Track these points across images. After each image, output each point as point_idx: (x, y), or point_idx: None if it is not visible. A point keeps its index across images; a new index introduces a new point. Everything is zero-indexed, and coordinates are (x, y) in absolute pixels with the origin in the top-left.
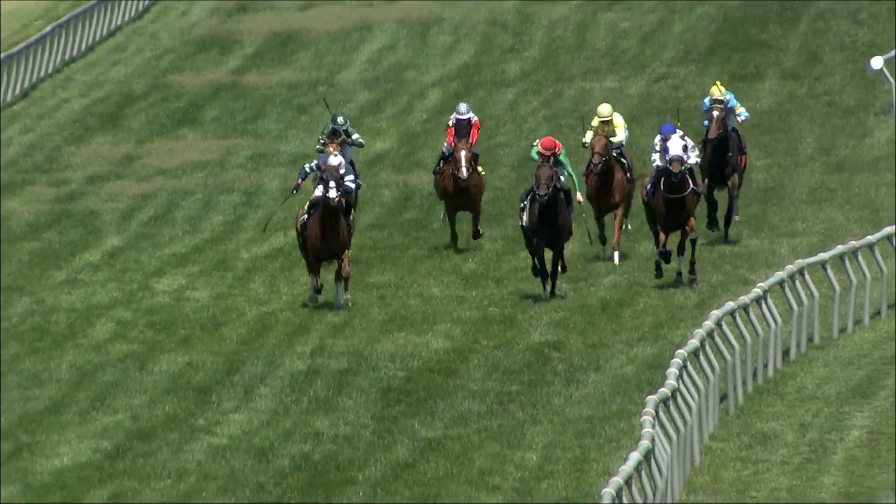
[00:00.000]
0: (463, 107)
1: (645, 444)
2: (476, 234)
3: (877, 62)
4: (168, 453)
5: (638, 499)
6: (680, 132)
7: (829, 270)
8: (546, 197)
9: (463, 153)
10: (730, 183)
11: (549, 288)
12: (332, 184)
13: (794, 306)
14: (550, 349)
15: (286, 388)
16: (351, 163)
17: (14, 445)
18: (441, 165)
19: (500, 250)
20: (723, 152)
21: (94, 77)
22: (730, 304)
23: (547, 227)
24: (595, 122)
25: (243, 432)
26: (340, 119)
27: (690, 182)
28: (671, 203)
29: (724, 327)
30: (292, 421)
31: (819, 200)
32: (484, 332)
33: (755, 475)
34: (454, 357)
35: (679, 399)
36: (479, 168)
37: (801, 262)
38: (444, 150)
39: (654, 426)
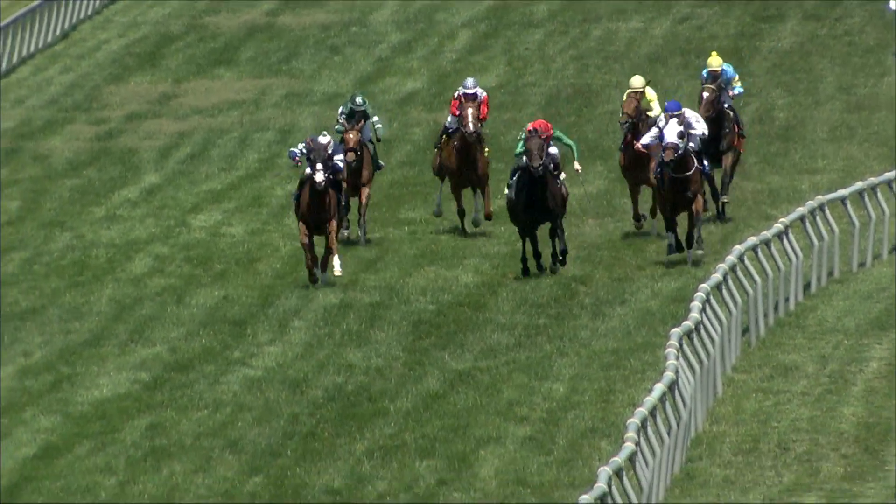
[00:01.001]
0: (470, 81)
1: (669, 375)
2: (488, 216)
3: (894, 3)
4: (204, 385)
5: (662, 429)
6: (685, 110)
7: (849, 206)
8: (541, 168)
9: (470, 110)
10: (724, 161)
11: (541, 265)
12: (318, 165)
13: (815, 241)
14: (577, 283)
15: (319, 321)
16: (370, 141)
17: (55, 377)
18: (443, 139)
19: None
20: (717, 130)
21: (132, 18)
22: (752, 240)
23: (538, 202)
24: (626, 96)
25: (278, 364)
26: (359, 99)
27: (696, 161)
28: (675, 182)
29: (747, 262)
30: (325, 353)
31: (839, 138)
32: (512, 267)
33: (776, 406)
34: (483, 291)
35: (702, 332)
36: (486, 149)
37: (821, 198)
38: (447, 123)
39: (677, 358)
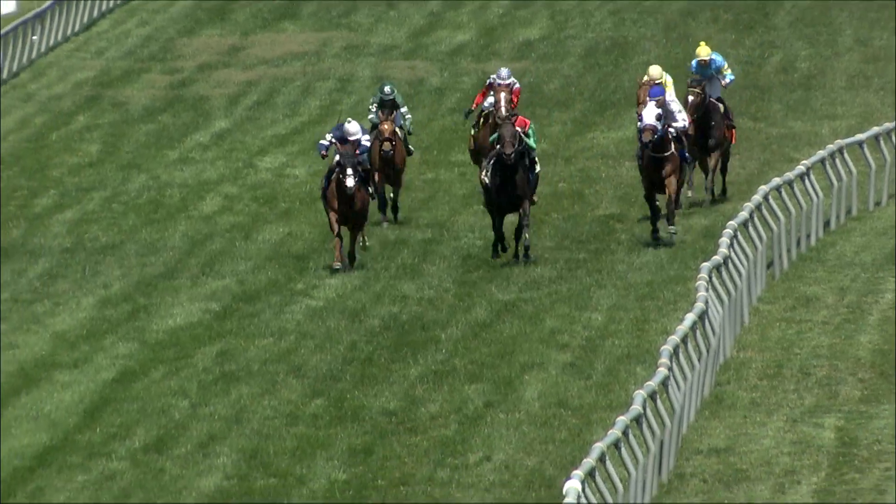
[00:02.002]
0: (504, 72)
1: (699, 306)
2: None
3: None
4: (270, 314)
5: (693, 355)
6: (670, 100)
7: (866, 149)
8: (513, 155)
9: (503, 94)
10: (712, 156)
11: (504, 249)
12: (349, 171)
13: (834, 182)
14: (614, 221)
15: (376, 255)
16: (401, 127)
17: (132, 307)
18: (480, 123)
19: (569, 132)
20: (705, 125)
21: None
22: (776, 180)
23: (509, 187)
24: (644, 80)
25: (338, 295)
26: (388, 88)
27: (673, 146)
28: (652, 161)
29: (771, 201)
30: (382, 285)
31: (857, 87)
32: (554, 206)
33: (798, 334)
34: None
35: (730, 266)
36: None
37: (840, 142)
38: (486, 105)
39: (707, 290)
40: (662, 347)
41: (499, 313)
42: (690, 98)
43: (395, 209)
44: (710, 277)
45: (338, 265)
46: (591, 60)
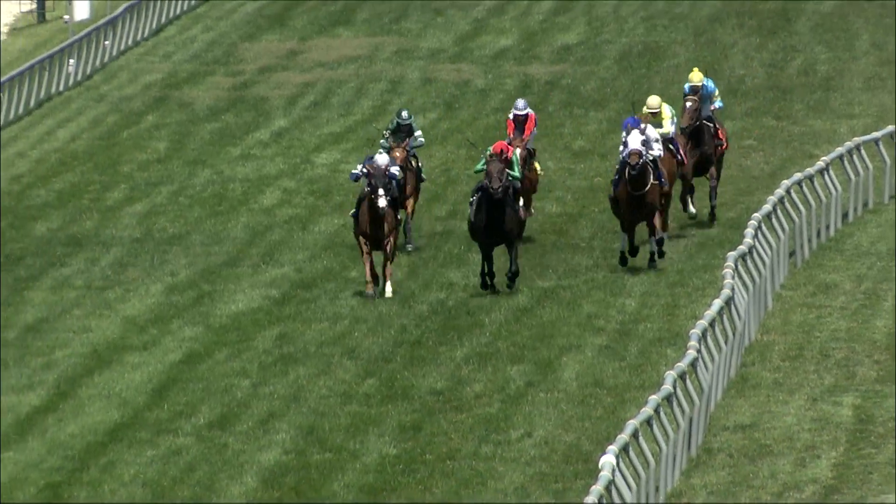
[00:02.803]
0: (521, 102)
1: (726, 292)
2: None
3: None
4: (326, 300)
5: (720, 338)
6: (644, 125)
7: (882, 147)
8: (500, 190)
9: (518, 151)
10: (708, 175)
11: (493, 277)
12: (380, 191)
13: (852, 176)
14: None
15: (425, 245)
16: (414, 156)
17: (197, 293)
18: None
19: (604, 130)
20: (697, 142)
21: None
22: (797, 175)
23: (496, 223)
24: (644, 111)
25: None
26: (405, 114)
27: (652, 175)
28: (633, 199)
29: (793, 194)
30: (430, 273)
31: (873, 88)
32: (591, 199)
33: (818, 318)
34: (566, 219)
35: (755, 255)
36: (537, 165)
37: (857, 139)
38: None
39: (734, 277)
40: (691, 331)
41: (539, 299)
42: (688, 104)
43: (408, 231)
44: (737, 266)
45: (370, 292)
46: (624, 63)
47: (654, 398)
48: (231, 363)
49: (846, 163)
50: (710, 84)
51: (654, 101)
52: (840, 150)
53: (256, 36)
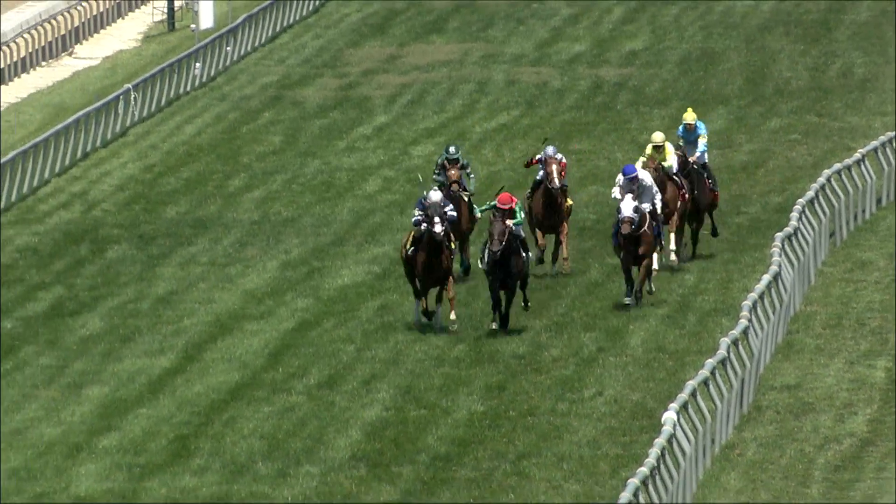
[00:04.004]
0: (550, 149)
1: (774, 268)
2: (555, 257)
3: None
4: None
5: (769, 309)
6: (640, 172)
7: None
8: (499, 253)
9: (554, 166)
10: (693, 224)
11: (500, 323)
12: (437, 219)
13: (885, 166)
14: None
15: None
16: (465, 189)
17: (308, 269)
18: (530, 195)
19: (667, 126)
20: (690, 189)
21: None
22: (837, 165)
23: (502, 273)
24: (649, 148)
25: (477, 260)
26: (452, 149)
27: (646, 225)
28: (629, 239)
29: (833, 182)
30: None
31: None
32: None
33: (855, 291)
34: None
35: (799, 235)
36: (569, 200)
37: (890, 134)
38: (539, 177)
39: (780, 255)
40: (743, 303)
41: (609, 274)
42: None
43: (463, 260)
44: (783, 245)
45: (419, 326)
46: (684, 67)
47: (710, 362)
48: (338, 330)
49: (880, 154)
50: (702, 127)
51: (658, 136)
52: (874, 143)
53: (360, 42)
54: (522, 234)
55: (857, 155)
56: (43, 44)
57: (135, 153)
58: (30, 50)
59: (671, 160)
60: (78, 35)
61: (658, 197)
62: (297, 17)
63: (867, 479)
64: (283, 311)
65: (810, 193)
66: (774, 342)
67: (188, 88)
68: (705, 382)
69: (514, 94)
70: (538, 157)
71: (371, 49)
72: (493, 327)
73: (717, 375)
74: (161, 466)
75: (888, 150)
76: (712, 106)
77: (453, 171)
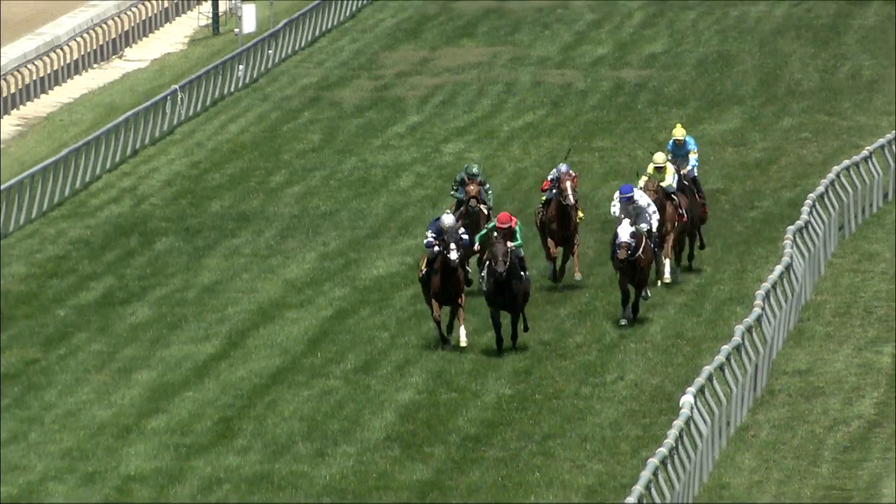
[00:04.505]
0: (563, 166)
1: (786, 259)
2: (561, 274)
3: None
4: None
5: (781, 298)
6: (636, 193)
7: None
8: (504, 274)
9: (569, 183)
10: (687, 238)
11: (501, 345)
12: (452, 245)
13: (891, 163)
14: (719, 194)
15: (530, 222)
16: (485, 202)
17: (345, 260)
18: (543, 211)
19: (684, 125)
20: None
21: (400, 4)
22: (846, 162)
23: (503, 295)
24: (650, 168)
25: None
26: (475, 169)
27: (643, 243)
28: (629, 263)
29: (842, 178)
30: (538, 244)
31: None
32: None
33: (863, 281)
34: None
35: (810, 228)
36: (581, 213)
37: None
38: (547, 195)
39: (792, 247)
40: (757, 292)
41: None
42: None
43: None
44: (794, 238)
45: (447, 347)
46: (701, 69)
47: (725, 348)
48: (373, 318)
49: (886, 152)
50: (691, 142)
51: (659, 157)
52: (881, 141)
53: (395, 46)
54: (522, 253)
55: (865, 152)
56: (95, 47)
57: (181, 150)
58: (82, 52)
59: (670, 180)
60: (128, 38)
61: (655, 217)
62: (335, 22)
63: (874, 459)
64: (322, 300)
65: (820, 189)
66: (786, 329)
67: (232, 89)
68: (721, 367)
69: (540, 94)
70: (551, 177)
71: (405, 52)
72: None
73: (732, 361)
74: (206, 447)
75: (894, 147)
76: (727, 106)
77: (472, 187)
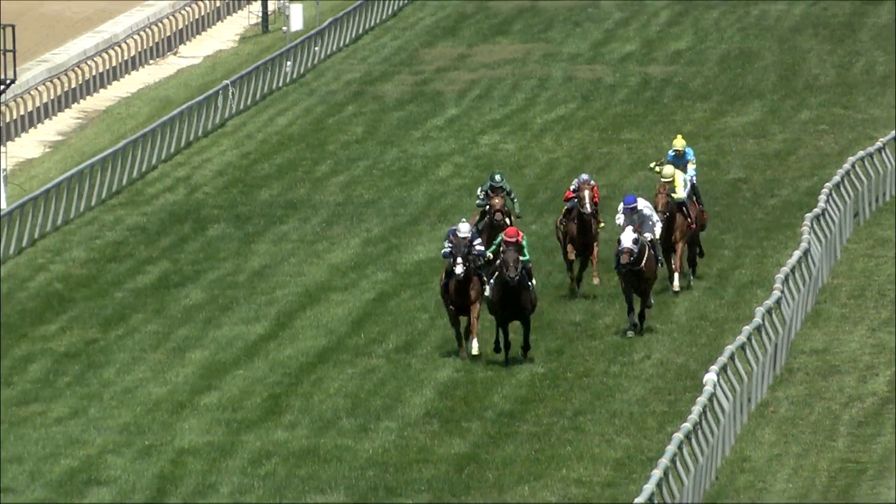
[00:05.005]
0: (584, 176)
1: (804, 245)
2: (579, 282)
3: None
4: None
5: (799, 281)
6: (640, 203)
7: None
8: (515, 279)
9: (587, 192)
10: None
11: (508, 347)
12: (458, 259)
13: None
14: (741, 182)
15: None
16: (509, 213)
17: (387, 246)
18: (565, 221)
19: (708, 117)
20: (669, 226)
21: (440, 3)
22: (861, 152)
23: (514, 303)
24: (662, 178)
25: (538, 238)
26: (498, 177)
27: (646, 253)
28: (632, 273)
29: (857, 168)
30: None
31: None
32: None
33: (877, 266)
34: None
35: (827, 215)
36: (602, 223)
37: None
38: (569, 205)
39: (810, 233)
40: (776, 276)
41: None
42: (659, 198)
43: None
44: (812, 224)
45: (464, 355)
46: (724, 64)
47: (746, 328)
48: (414, 301)
49: None
50: (690, 153)
51: (668, 170)
52: (894, 132)
53: (434, 43)
54: (530, 265)
55: (879, 143)
56: (151, 44)
57: (232, 142)
58: (139, 49)
59: (682, 192)
60: (182, 36)
61: (658, 226)
62: (378, 21)
63: (887, 434)
64: (365, 284)
65: (836, 178)
66: (804, 311)
67: (280, 84)
68: (742, 347)
69: (571, 89)
70: (573, 187)
71: (443, 49)
72: (497, 352)
73: (753, 341)
74: (256, 422)
75: None
76: (749, 100)
77: (497, 200)
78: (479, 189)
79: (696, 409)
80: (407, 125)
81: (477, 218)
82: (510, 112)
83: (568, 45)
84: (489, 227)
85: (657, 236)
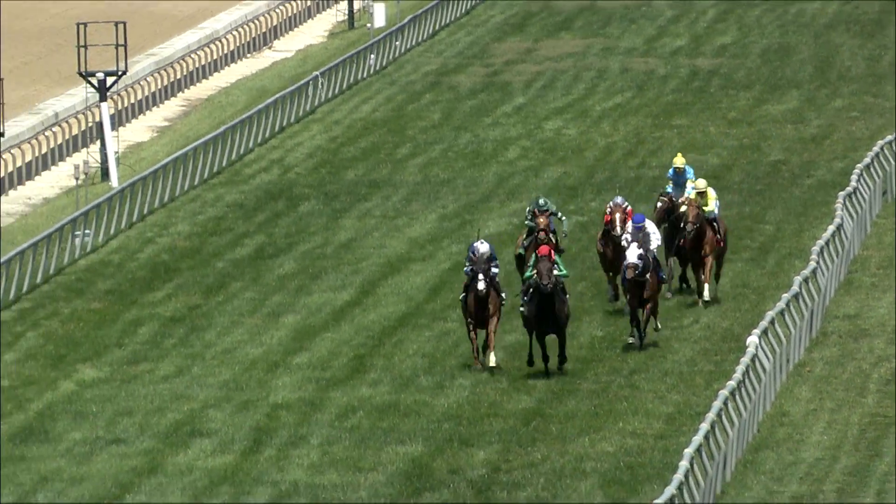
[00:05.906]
0: (619, 199)
1: (837, 220)
2: (616, 295)
3: None
4: None
5: (832, 252)
6: (646, 222)
7: None
8: (549, 286)
9: (618, 215)
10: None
11: (548, 368)
12: (480, 276)
13: None
14: (781, 164)
15: (619, 189)
16: (554, 232)
17: (461, 221)
18: (604, 239)
19: (751, 105)
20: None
21: (508, 3)
22: (889, 137)
23: (549, 315)
24: (693, 193)
25: (597, 214)
26: (542, 201)
27: (651, 267)
28: (636, 284)
29: (886, 150)
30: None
31: None
32: (740, 155)
33: None
34: (722, 169)
35: (858, 193)
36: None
37: None
38: (607, 227)
39: (843, 209)
40: (812, 248)
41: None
42: (658, 204)
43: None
44: (845, 202)
45: (477, 366)
46: (765, 57)
47: (785, 296)
48: None
49: None
50: (690, 171)
51: (701, 182)
52: None
53: (503, 38)
54: (563, 279)
55: (891, 137)
56: (248, 39)
57: (322, 127)
58: (237, 44)
59: (713, 206)
60: (276, 32)
61: (655, 237)
62: (453, 18)
63: None
64: (441, 255)
65: (867, 160)
66: (838, 280)
67: (364, 75)
68: (781, 312)
69: (627, 79)
70: (607, 210)
71: (512, 43)
72: (531, 365)
73: (791, 307)
74: (342, 380)
75: None
76: (787, 89)
77: (542, 220)
78: (527, 209)
79: (740, 369)
80: (479, 112)
81: (524, 235)
82: (572, 100)
83: (624, 40)
84: (534, 246)
85: (653, 247)
